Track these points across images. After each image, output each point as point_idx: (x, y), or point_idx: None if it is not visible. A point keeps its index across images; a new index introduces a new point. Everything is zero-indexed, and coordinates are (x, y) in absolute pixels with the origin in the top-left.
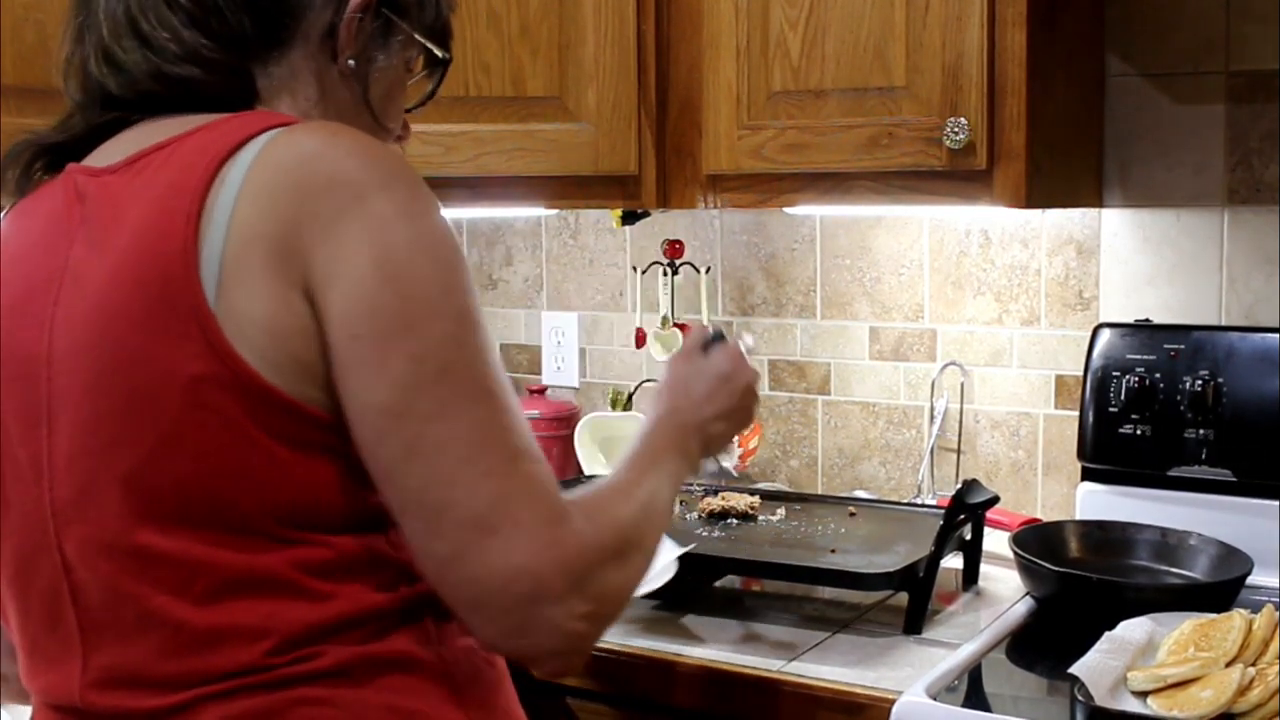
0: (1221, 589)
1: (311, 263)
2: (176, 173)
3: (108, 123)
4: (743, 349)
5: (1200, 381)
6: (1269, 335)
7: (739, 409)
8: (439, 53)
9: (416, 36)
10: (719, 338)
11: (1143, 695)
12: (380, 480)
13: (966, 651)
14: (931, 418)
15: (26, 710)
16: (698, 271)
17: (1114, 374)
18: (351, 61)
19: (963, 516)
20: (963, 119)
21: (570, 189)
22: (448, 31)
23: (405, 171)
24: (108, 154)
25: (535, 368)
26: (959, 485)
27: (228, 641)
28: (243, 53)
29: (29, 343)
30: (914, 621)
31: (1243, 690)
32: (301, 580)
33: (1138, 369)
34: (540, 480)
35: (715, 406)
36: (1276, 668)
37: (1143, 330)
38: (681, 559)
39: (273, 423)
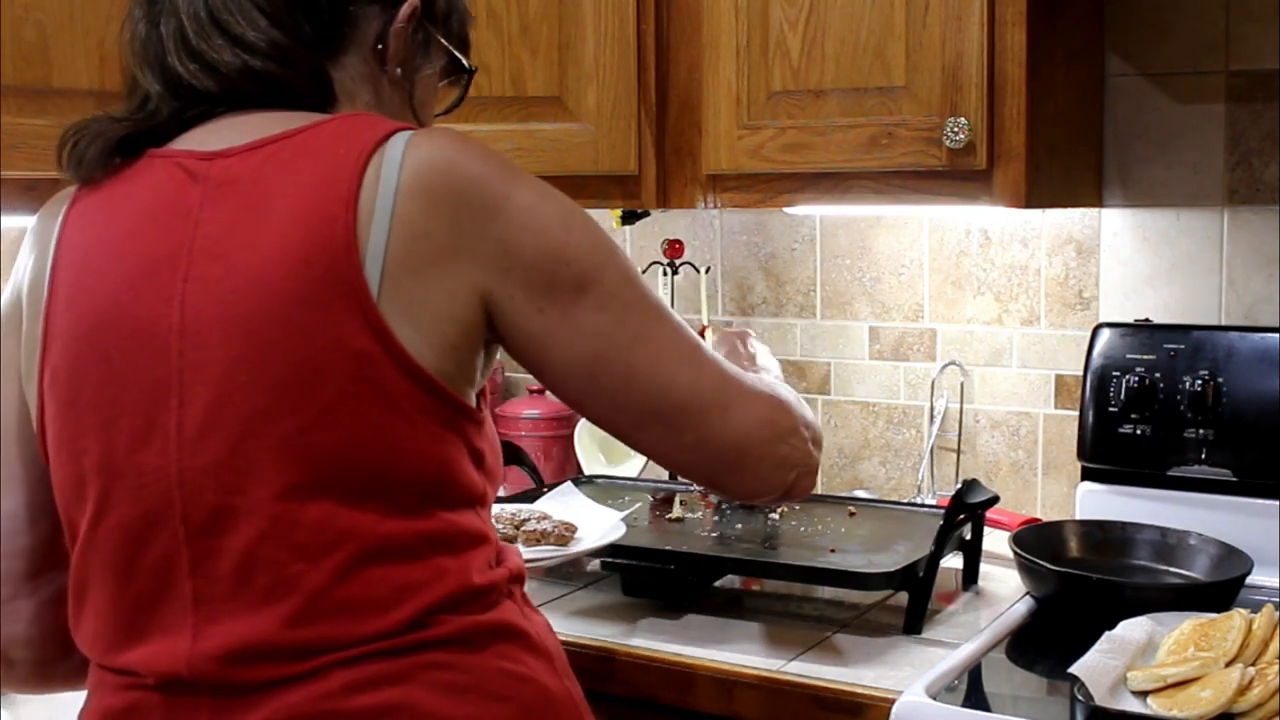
0: (1221, 589)
1: (479, 260)
2: (325, 162)
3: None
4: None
5: (1200, 381)
6: (1269, 335)
7: None
8: (466, 63)
9: (449, 47)
10: None
11: (1142, 695)
12: (606, 415)
13: (966, 651)
14: (931, 417)
15: (27, 709)
16: (698, 271)
17: (1114, 374)
18: (399, 70)
19: (963, 516)
20: (963, 119)
21: (570, 189)
22: (469, 44)
23: (514, 163)
24: (203, 140)
25: None
26: (959, 485)
27: (360, 611)
28: (317, 53)
29: (153, 317)
30: (914, 621)
31: (1242, 690)
32: (428, 553)
33: (1137, 369)
34: (728, 363)
35: None
36: (1276, 667)
37: (1143, 330)
38: (676, 555)
39: (422, 401)
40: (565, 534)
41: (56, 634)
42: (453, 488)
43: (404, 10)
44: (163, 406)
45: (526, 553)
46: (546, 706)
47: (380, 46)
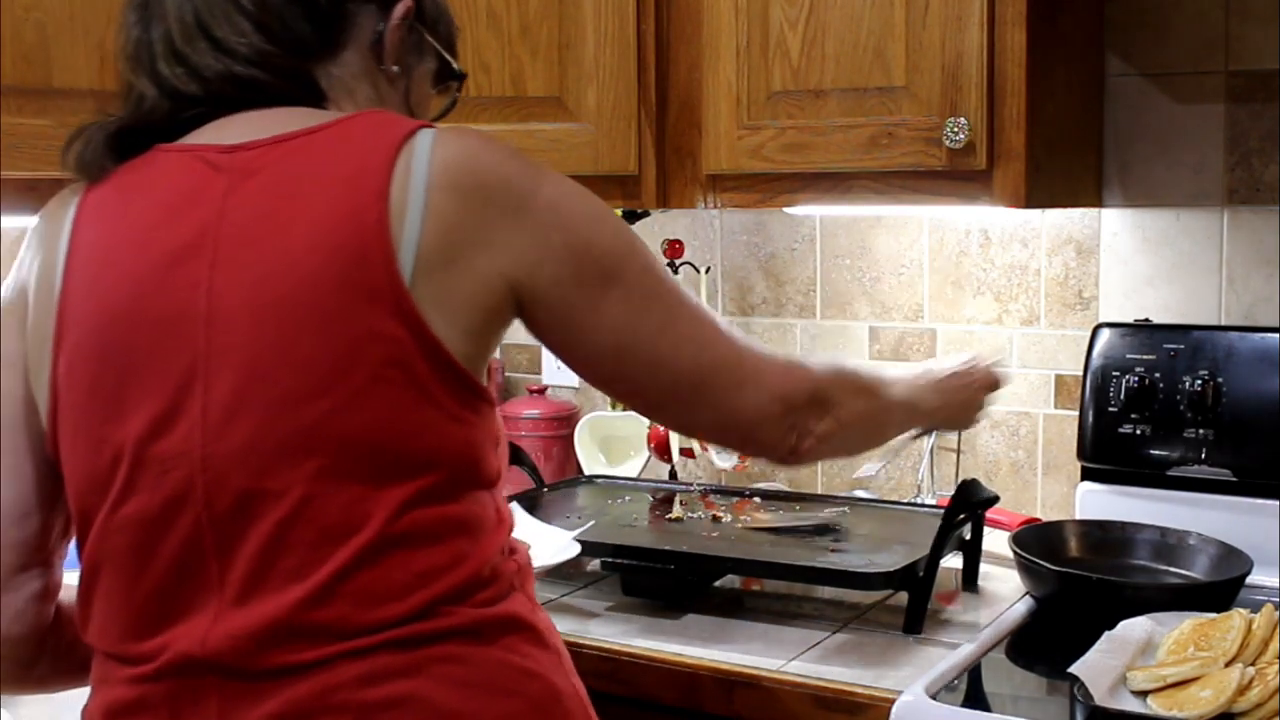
0: (1221, 589)
1: (509, 252)
2: (354, 156)
3: (189, 114)
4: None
5: (1200, 381)
6: (1269, 335)
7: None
8: (456, 66)
9: (439, 49)
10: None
11: (1142, 695)
12: (628, 396)
13: (966, 651)
14: None
15: (28, 710)
16: (698, 271)
17: (1114, 374)
18: (396, 66)
19: (962, 516)
20: (963, 119)
21: None
22: (456, 52)
23: (538, 161)
24: (218, 136)
25: (535, 367)
26: (959, 485)
27: (378, 595)
28: (305, 56)
29: (178, 303)
30: (914, 621)
31: (1242, 690)
32: (449, 537)
33: (1137, 369)
34: (745, 339)
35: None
36: (1276, 667)
37: (1142, 330)
38: (676, 555)
39: (449, 385)
40: None
41: (37, 633)
42: (476, 470)
43: (399, 9)
44: (188, 391)
45: None
46: (555, 703)
47: (378, 44)
